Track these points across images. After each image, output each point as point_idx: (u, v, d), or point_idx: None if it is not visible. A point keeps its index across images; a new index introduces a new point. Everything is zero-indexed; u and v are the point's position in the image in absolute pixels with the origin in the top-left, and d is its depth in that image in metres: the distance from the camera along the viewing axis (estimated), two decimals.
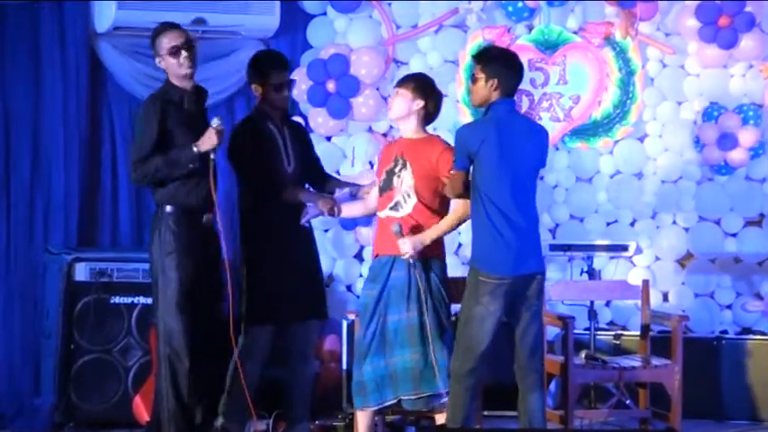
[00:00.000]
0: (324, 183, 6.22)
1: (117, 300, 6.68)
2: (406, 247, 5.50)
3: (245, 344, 5.93)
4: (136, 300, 6.68)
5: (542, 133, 5.65)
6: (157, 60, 5.76)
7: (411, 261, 5.53)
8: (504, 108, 5.49)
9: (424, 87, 5.70)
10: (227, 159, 6.05)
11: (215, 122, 5.64)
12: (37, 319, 6.90)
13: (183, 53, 5.70)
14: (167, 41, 5.72)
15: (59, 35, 7.00)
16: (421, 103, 5.67)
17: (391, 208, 5.65)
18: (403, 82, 5.75)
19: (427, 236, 5.56)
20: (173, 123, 5.68)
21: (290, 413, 6.15)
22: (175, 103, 5.71)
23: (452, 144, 5.62)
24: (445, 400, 5.53)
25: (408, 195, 5.61)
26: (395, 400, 5.60)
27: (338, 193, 6.09)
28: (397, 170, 5.65)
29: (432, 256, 5.60)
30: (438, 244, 5.63)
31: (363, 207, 6.02)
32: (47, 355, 6.73)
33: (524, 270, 5.44)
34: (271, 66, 6.00)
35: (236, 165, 6.01)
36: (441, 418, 5.67)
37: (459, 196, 5.55)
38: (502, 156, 5.39)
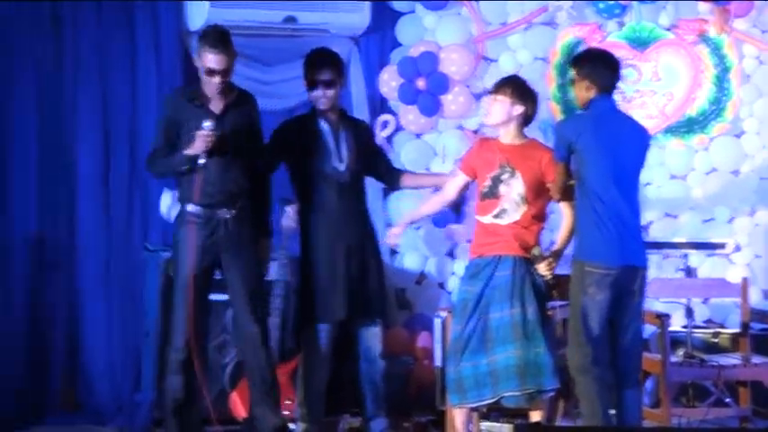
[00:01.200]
0: (393, 175, 6.21)
1: (213, 297, 6.70)
2: (548, 270, 5.54)
3: (305, 346, 5.98)
4: None
5: (644, 132, 5.71)
6: (198, 63, 5.74)
7: (552, 282, 5.57)
8: (603, 104, 5.57)
9: (523, 92, 5.69)
10: None
11: (205, 125, 5.63)
12: (136, 316, 6.97)
13: (216, 78, 5.67)
14: (207, 61, 5.65)
15: (153, 34, 7.08)
16: (521, 108, 5.66)
17: (495, 215, 5.64)
18: (500, 87, 5.71)
19: (561, 253, 5.64)
20: (183, 118, 5.71)
21: (363, 411, 6.13)
22: (187, 99, 5.73)
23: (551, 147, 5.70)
24: (547, 396, 5.53)
25: (518, 204, 5.61)
26: (494, 399, 5.56)
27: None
28: (504, 178, 5.63)
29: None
30: (539, 244, 5.64)
31: (440, 201, 6.02)
32: (146, 352, 6.80)
33: (629, 261, 5.48)
34: (306, 64, 6.02)
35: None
36: (535, 416, 5.64)
37: (561, 197, 5.61)
38: (603, 149, 5.46)
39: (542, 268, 5.55)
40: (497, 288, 5.56)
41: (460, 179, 5.85)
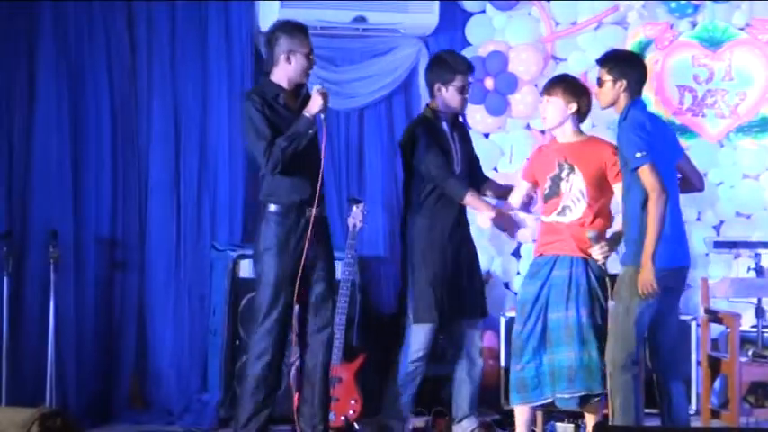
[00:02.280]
0: (482, 184, 6.22)
1: None
2: (601, 254, 5.48)
3: (407, 342, 5.98)
4: None
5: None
6: (280, 54, 5.63)
7: (604, 265, 5.52)
8: (645, 106, 5.55)
9: (574, 89, 5.67)
10: (400, 155, 6.15)
11: (317, 87, 5.59)
12: (204, 315, 7.02)
13: (311, 62, 5.68)
14: (306, 45, 5.65)
15: (225, 34, 7.12)
16: (574, 106, 5.63)
17: (558, 213, 5.62)
18: (551, 88, 5.70)
19: (619, 240, 5.55)
20: (269, 117, 5.62)
21: (457, 410, 6.12)
22: (272, 99, 5.63)
23: (612, 142, 5.64)
24: (597, 399, 5.49)
25: (578, 200, 5.58)
26: (552, 398, 5.57)
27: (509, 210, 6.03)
28: (564, 176, 5.61)
29: (591, 256, 5.55)
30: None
31: (508, 208, 6.01)
32: (213, 351, 6.86)
33: (682, 263, 5.47)
34: (455, 68, 6.02)
35: (407, 159, 6.04)
36: (591, 419, 5.58)
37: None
38: (664, 152, 5.40)
39: (596, 252, 5.50)
40: (554, 288, 5.55)
41: (522, 186, 5.88)
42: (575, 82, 5.74)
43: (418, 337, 5.96)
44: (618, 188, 5.54)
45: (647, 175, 5.30)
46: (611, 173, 5.57)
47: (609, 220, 5.67)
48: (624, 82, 5.45)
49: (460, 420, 6.09)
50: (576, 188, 5.59)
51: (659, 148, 5.37)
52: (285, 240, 5.61)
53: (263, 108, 5.58)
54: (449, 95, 6.01)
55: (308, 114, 5.57)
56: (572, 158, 5.61)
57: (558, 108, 5.63)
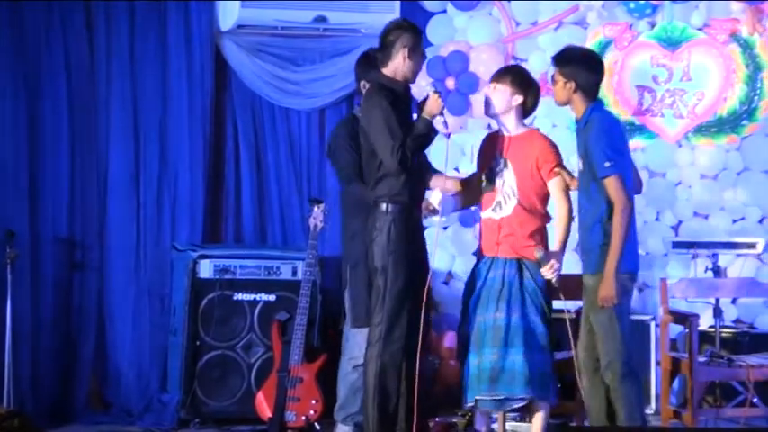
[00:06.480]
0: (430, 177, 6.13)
1: (240, 296, 6.75)
2: (552, 273, 5.37)
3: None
4: (258, 297, 6.75)
5: None
6: (400, 50, 5.47)
7: (556, 284, 5.40)
8: (608, 109, 5.51)
9: (522, 81, 5.52)
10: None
11: (432, 88, 5.52)
12: (164, 315, 6.99)
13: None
14: (421, 43, 5.56)
15: (185, 34, 7.10)
16: (520, 98, 5.49)
17: (492, 209, 5.50)
18: (499, 76, 5.55)
19: (563, 252, 5.45)
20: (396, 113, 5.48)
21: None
22: (399, 95, 5.47)
23: (550, 138, 5.57)
24: (517, 404, 5.37)
25: (509, 196, 5.46)
26: (472, 402, 5.44)
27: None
28: (498, 170, 5.49)
29: (525, 256, 5.43)
30: (533, 245, 5.42)
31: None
32: (174, 351, 6.83)
33: (638, 266, 5.46)
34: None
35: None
36: (537, 419, 5.46)
37: (567, 199, 5.46)
38: (628, 156, 5.39)
39: (546, 272, 5.38)
40: (487, 289, 5.44)
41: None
42: (524, 74, 5.60)
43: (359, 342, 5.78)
44: (552, 185, 5.44)
45: (613, 186, 5.23)
46: (544, 170, 5.44)
47: (541, 217, 5.50)
48: (573, 84, 5.34)
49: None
50: (507, 184, 5.46)
51: (626, 154, 5.33)
52: (409, 240, 5.44)
53: (394, 104, 5.39)
54: None
55: (427, 116, 5.45)
56: (507, 152, 5.49)
57: (503, 97, 5.50)
